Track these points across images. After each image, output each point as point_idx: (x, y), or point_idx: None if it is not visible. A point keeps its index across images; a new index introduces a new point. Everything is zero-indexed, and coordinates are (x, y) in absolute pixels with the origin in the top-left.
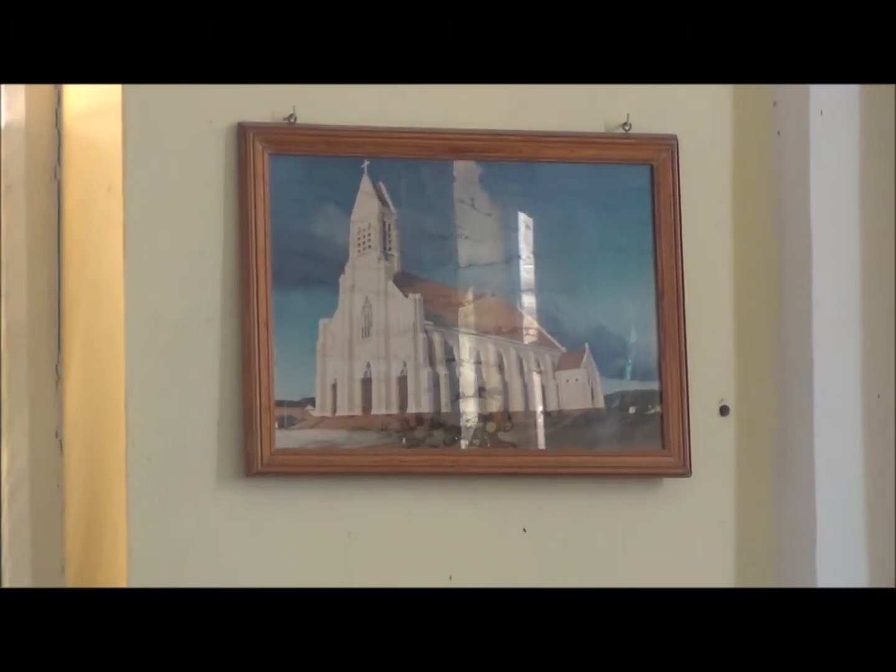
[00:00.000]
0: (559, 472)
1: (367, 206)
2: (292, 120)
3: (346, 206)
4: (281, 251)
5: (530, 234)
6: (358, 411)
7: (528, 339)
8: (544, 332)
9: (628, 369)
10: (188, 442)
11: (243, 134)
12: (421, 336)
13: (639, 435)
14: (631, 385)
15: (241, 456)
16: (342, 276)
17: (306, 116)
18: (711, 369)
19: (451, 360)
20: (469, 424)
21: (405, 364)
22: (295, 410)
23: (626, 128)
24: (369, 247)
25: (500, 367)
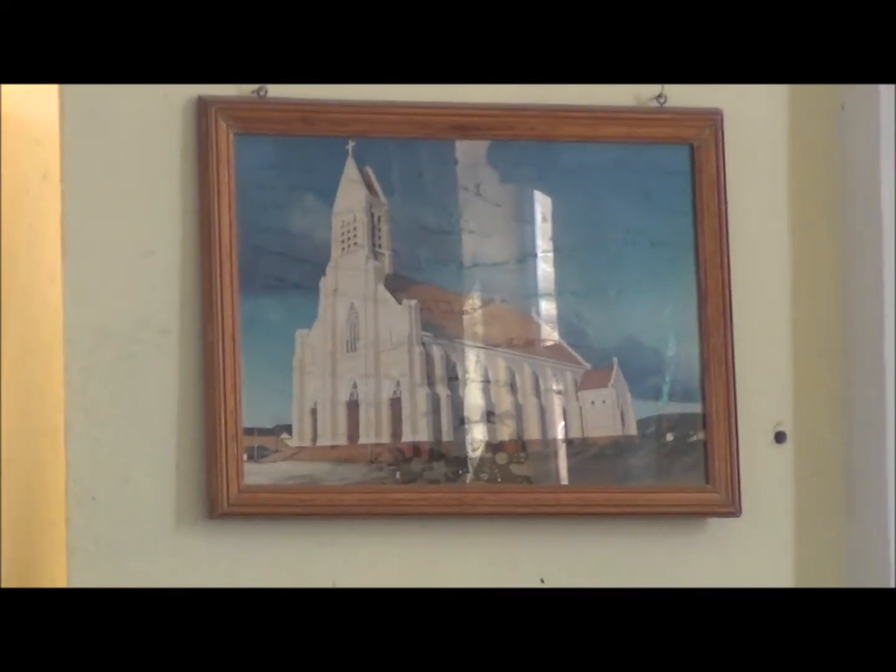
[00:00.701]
0: (583, 511)
1: (352, 196)
2: (262, 93)
3: (328, 195)
4: (249, 250)
5: (548, 227)
6: (342, 440)
7: (545, 353)
8: (565, 344)
9: (665, 388)
10: (140, 478)
11: (204, 110)
12: (417, 350)
13: (678, 467)
14: (669, 407)
15: (204, 494)
16: (323, 278)
17: (279, 89)
18: (765, 387)
19: (453, 379)
20: (475, 455)
21: (398, 383)
22: (267, 440)
23: (661, 100)
24: (355, 244)
25: (512, 387)
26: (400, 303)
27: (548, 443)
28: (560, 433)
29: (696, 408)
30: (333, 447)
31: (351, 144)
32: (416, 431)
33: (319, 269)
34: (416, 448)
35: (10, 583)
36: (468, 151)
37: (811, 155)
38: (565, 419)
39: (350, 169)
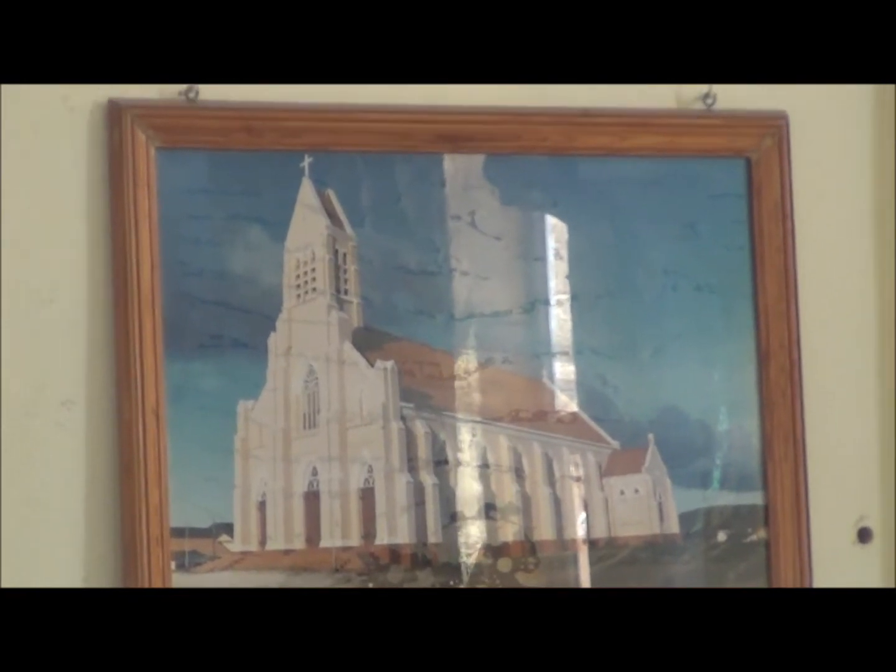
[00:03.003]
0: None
1: (309, 227)
2: (192, 95)
3: (278, 226)
4: (177, 298)
5: (563, 266)
6: (299, 543)
7: (560, 429)
8: (586, 417)
9: (716, 474)
10: None
11: (116, 117)
12: (395, 426)
13: (734, 575)
14: (720, 498)
15: None
16: (273, 335)
17: (213, 90)
18: (844, 472)
19: (442, 463)
20: (471, 561)
21: (371, 469)
22: (202, 543)
23: (709, 102)
24: (314, 289)
25: (518, 473)
26: (372, 365)
27: (564, 545)
28: (580, 532)
29: (756, 498)
30: (287, 552)
31: (308, 161)
32: (395, 531)
33: (268, 322)
34: (394, 553)
35: None
36: (460, 169)
37: None
38: (587, 514)
39: (306, 192)
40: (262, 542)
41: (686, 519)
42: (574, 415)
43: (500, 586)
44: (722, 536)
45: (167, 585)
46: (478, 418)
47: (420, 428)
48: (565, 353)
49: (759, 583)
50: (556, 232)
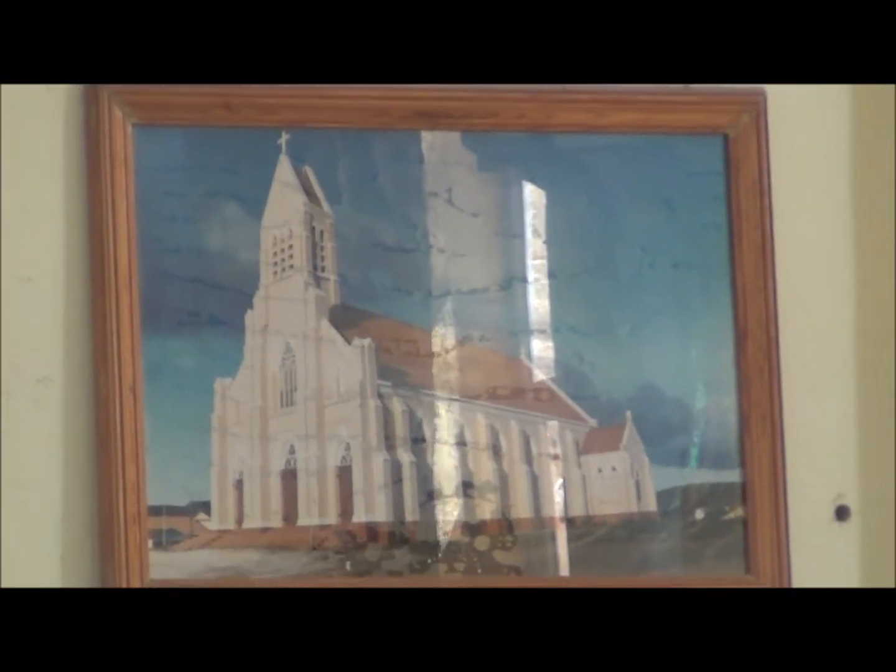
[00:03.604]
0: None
1: (286, 204)
2: None
3: (255, 203)
4: (154, 276)
5: (540, 243)
6: (277, 521)
7: (537, 407)
8: (563, 394)
9: (693, 452)
10: (16, 574)
11: (93, 95)
12: (372, 403)
13: (711, 552)
14: (698, 476)
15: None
16: (249, 312)
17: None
18: (822, 449)
19: (419, 441)
20: (448, 539)
21: (348, 447)
22: (179, 521)
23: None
24: (291, 266)
25: (496, 451)
26: (350, 342)
27: (542, 522)
28: (558, 510)
29: (733, 476)
30: (264, 530)
31: (285, 138)
32: (372, 509)
33: (245, 299)
34: (371, 530)
35: None
36: (437, 146)
37: (880, 150)
38: (564, 492)
39: (283, 169)
40: (240, 520)
41: (663, 497)
42: (551, 392)
43: (478, 564)
44: (699, 514)
45: (144, 564)
46: (455, 396)
47: (397, 406)
48: (543, 331)
49: (736, 561)
50: (533, 210)
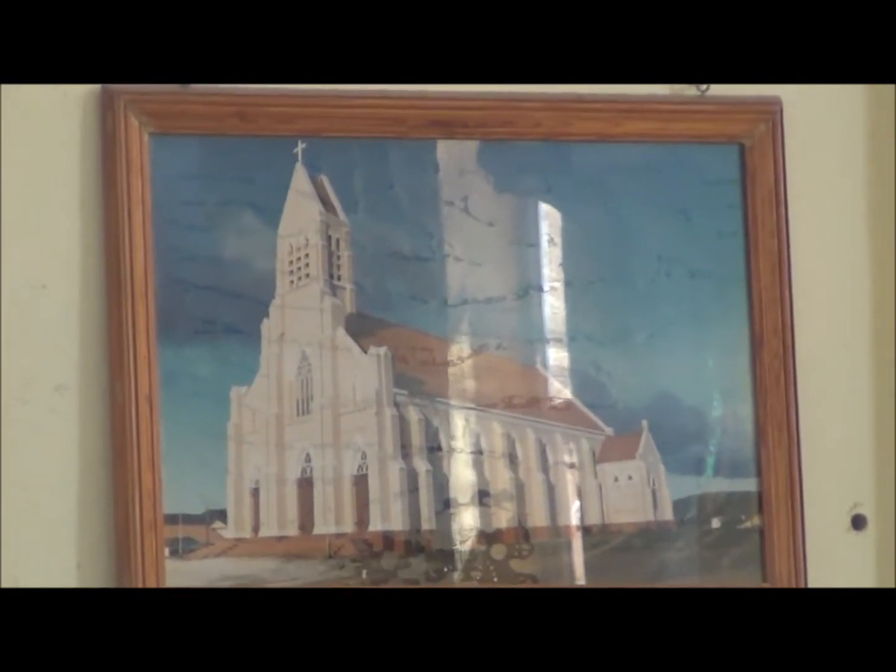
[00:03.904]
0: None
1: (302, 213)
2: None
3: (271, 212)
4: (170, 284)
5: (556, 252)
6: (293, 530)
7: (554, 416)
8: (579, 403)
9: (710, 460)
10: (33, 578)
11: (109, 103)
12: (389, 412)
13: (727, 562)
14: (714, 484)
15: None
16: (265, 321)
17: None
18: (838, 458)
19: (435, 449)
20: (465, 548)
21: (364, 455)
22: (195, 529)
23: (703, 88)
24: (307, 275)
25: (512, 459)
26: (366, 351)
27: (558, 531)
28: (574, 519)
29: (749, 485)
30: (280, 539)
31: (301, 147)
32: (388, 518)
33: (261, 308)
34: (387, 539)
35: None
36: (453, 155)
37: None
38: (580, 501)
39: (300, 178)
40: (256, 528)
41: (680, 505)
42: (568, 401)
43: (494, 573)
44: (716, 523)
45: (160, 572)
46: (471, 405)
47: (413, 414)
48: (559, 340)
49: (752, 570)
50: (549, 218)
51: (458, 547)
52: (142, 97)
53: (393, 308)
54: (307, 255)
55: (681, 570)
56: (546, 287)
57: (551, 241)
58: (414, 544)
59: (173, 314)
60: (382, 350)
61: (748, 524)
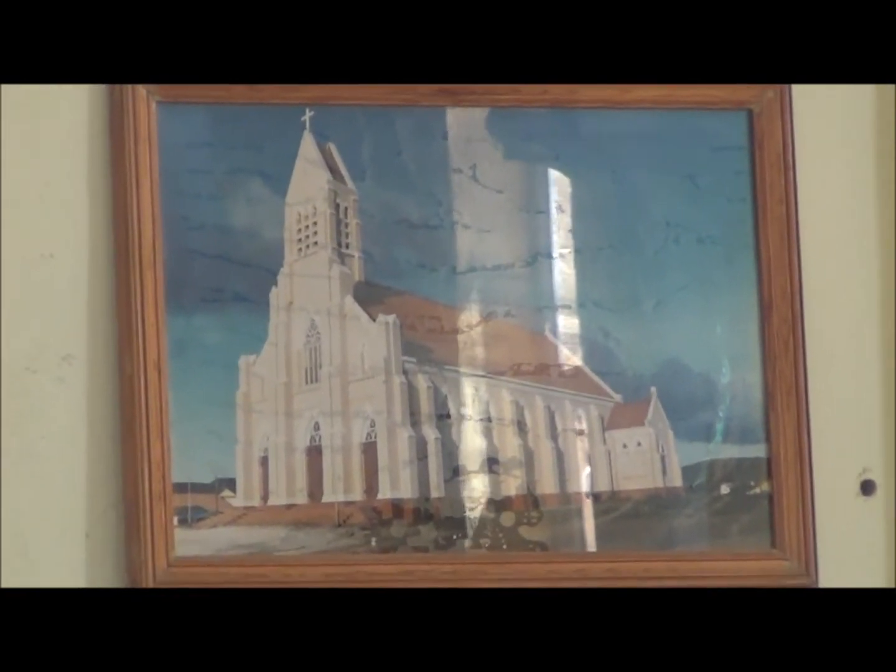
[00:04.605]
0: (614, 586)
1: (310, 181)
2: None
3: (279, 180)
4: (178, 253)
5: (565, 219)
6: (302, 498)
7: (562, 383)
8: (588, 370)
9: (719, 427)
10: (41, 551)
11: None
12: (397, 380)
13: (737, 528)
14: (723, 451)
15: (123, 570)
16: (274, 289)
17: None
18: (847, 424)
19: (444, 417)
20: (474, 515)
21: (373, 423)
22: (204, 498)
23: None
24: (315, 243)
25: (521, 427)
26: (374, 319)
27: (567, 498)
28: (583, 486)
29: (758, 451)
30: (290, 507)
31: (308, 115)
32: (397, 485)
33: (269, 276)
34: (396, 507)
35: None
36: (461, 122)
37: None
38: (590, 467)
39: (307, 146)
40: (265, 497)
41: (689, 472)
42: (576, 368)
43: (503, 540)
44: (725, 489)
45: (170, 541)
46: (480, 372)
47: (422, 382)
48: (568, 307)
49: (761, 536)
50: (557, 185)
51: (467, 514)
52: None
53: (401, 276)
54: (315, 224)
55: (690, 537)
56: (554, 254)
57: (559, 208)
58: (423, 512)
59: (181, 283)
60: (391, 318)
61: (757, 490)
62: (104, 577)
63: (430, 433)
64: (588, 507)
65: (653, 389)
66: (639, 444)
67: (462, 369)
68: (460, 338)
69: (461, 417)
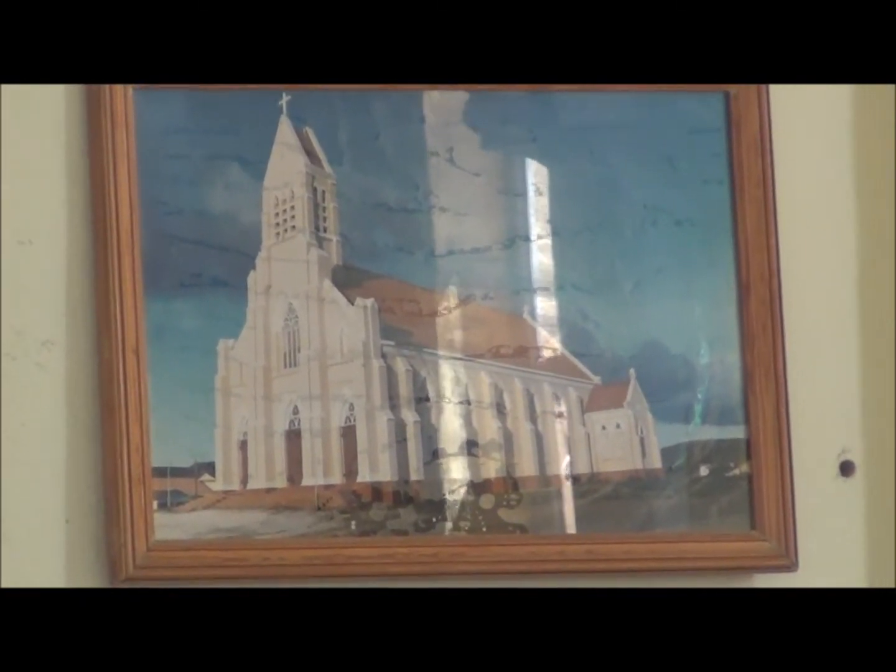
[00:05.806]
0: (594, 568)
1: (288, 165)
2: None
3: (257, 165)
4: (156, 237)
5: (543, 202)
6: (281, 482)
7: (541, 365)
8: (567, 352)
9: (698, 408)
10: (18, 536)
11: None
12: (376, 363)
13: (716, 509)
14: (702, 432)
15: (102, 554)
16: (252, 273)
17: None
18: (826, 405)
19: (423, 400)
20: (454, 498)
21: (352, 407)
22: (183, 482)
23: None
24: (293, 227)
25: (500, 409)
26: (352, 303)
27: (547, 480)
28: (563, 468)
29: (737, 432)
30: (269, 491)
31: (286, 99)
32: (376, 469)
33: (247, 260)
34: (376, 490)
35: None
36: (439, 106)
37: (882, 107)
38: (569, 450)
39: (285, 130)
40: (244, 480)
41: (668, 453)
42: (555, 350)
43: (483, 523)
44: (704, 471)
45: (149, 525)
46: (459, 355)
47: (401, 365)
48: (546, 289)
49: (741, 517)
50: (535, 168)
51: (446, 497)
52: None
53: (379, 259)
54: (293, 208)
55: (669, 518)
56: (532, 237)
57: (537, 190)
58: (402, 495)
59: (160, 268)
60: (369, 301)
61: (736, 471)
62: (84, 561)
63: (410, 416)
64: (567, 490)
65: (631, 371)
66: (618, 425)
67: (441, 352)
68: (439, 321)
69: (440, 400)
